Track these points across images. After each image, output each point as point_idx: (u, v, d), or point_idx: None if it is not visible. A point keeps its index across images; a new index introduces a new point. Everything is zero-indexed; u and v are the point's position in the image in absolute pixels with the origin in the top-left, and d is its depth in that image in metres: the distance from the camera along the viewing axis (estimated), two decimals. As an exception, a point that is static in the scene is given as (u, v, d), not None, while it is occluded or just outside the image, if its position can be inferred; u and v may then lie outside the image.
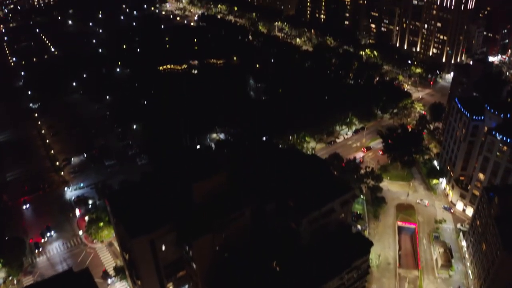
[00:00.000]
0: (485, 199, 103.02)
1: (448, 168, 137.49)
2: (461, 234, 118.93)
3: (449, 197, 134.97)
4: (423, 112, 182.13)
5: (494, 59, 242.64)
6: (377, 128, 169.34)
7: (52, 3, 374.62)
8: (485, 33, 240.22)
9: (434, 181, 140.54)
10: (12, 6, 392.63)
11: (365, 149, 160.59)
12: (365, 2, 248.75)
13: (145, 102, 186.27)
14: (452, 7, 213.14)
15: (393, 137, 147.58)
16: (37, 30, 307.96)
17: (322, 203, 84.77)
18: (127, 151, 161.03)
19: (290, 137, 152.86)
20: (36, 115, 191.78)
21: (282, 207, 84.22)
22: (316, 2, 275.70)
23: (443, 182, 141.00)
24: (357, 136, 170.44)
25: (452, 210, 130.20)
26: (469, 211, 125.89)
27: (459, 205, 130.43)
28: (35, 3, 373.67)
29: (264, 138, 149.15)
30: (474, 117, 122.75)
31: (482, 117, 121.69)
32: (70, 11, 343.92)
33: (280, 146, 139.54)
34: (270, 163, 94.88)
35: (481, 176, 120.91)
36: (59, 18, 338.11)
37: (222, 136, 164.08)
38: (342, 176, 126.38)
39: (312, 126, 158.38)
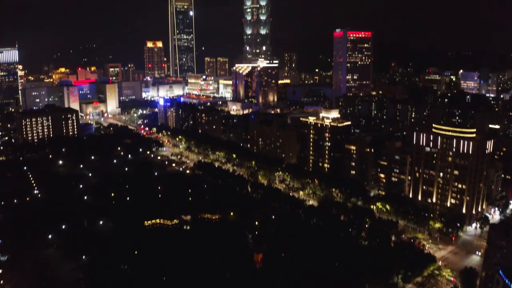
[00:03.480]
0: None
1: None
2: None
3: None
4: (452, 279, 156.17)
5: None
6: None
7: (46, 139, 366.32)
8: (502, 175, 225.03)
9: None
10: (6, 138, 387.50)
11: None
12: (372, 150, 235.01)
13: (126, 267, 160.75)
14: (470, 152, 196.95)
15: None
16: (25, 168, 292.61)
17: None
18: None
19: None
20: (1, 271, 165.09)
21: None
22: (319, 150, 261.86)
23: None
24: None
25: None
26: None
27: None
28: (29, 138, 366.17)
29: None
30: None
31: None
32: (63, 150, 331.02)
33: None
34: None
35: None
36: (50, 156, 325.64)
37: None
38: None
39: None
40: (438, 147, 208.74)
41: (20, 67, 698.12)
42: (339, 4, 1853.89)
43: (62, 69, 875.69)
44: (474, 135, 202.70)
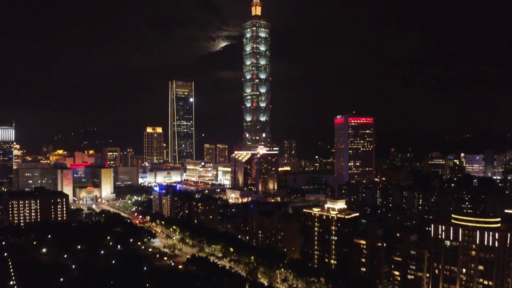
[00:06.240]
0: None
1: None
2: None
3: None
4: None
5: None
6: None
7: (33, 223, 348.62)
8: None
9: None
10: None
11: None
12: (384, 244, 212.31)
13: None
14: (496, 244, 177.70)
15: None
16: (5, 254, 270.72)
17: None
18: None
19: None
20: None
21: None
22: (325, 244, 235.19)
23: None
24: None
25: None
26: None
27: None
28: (15, 221, 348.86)
29: None
30: None
31: None
32: (49, 236, 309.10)
33: None
34: None
35: None
36: (35, 242, 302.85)
37: None
38: None
39: None
40: (460, 240, 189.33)
41: (18, 146, 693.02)
42: (336, 94, 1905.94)
43: (60, 151, 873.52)
44: (499, 225, 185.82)
